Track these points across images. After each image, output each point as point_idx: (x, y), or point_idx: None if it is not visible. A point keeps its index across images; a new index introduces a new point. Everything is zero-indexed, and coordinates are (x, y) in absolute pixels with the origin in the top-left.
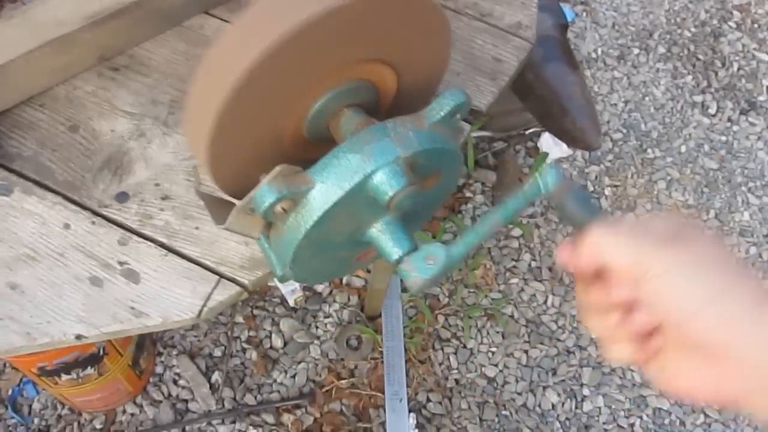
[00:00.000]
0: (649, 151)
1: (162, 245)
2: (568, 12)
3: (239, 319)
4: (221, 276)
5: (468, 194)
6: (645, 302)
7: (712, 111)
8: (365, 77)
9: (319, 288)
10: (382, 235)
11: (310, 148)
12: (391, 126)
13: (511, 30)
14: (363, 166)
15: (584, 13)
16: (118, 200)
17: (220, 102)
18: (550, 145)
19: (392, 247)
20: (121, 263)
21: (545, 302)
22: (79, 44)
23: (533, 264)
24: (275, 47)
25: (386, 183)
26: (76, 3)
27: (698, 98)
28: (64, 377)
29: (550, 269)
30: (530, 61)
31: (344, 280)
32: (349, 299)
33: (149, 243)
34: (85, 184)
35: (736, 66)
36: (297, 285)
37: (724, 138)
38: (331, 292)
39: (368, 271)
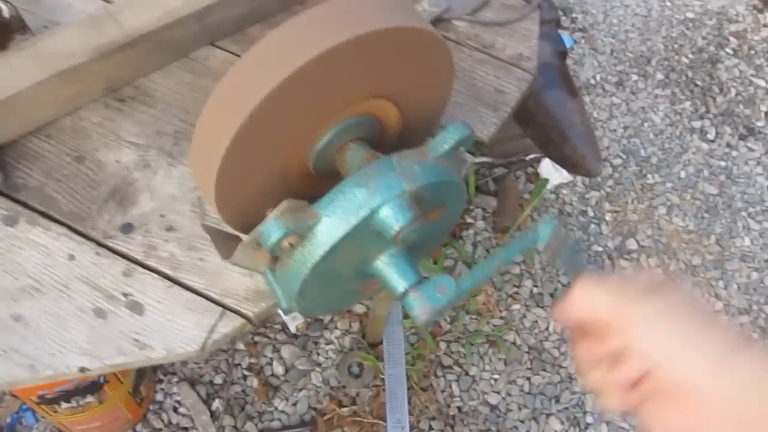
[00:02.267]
0: (649, 176)
1: (167, 277)
2: (567, 39)
3: (240, 346)
4: (225, 308)
5: (469, 220)
6: (629, 351)
7: (710, 136)
8: (369, 112)
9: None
10: (388, 268)
11: (316, 183)
12: (396, 160)
13: (513, 61)
14: (369, 201)
15: (583, 40)
16: (123, 231)
17: (228, 139)
18: (551, 171)
19: (398, 280)
20: (125, 295)
21: (547, 328)
22: (86, 76)
23: (535, 290)
24: (283, 85)
25: (392, 217)
26: (84, 35)
27: (697, 124)
28: (64, 405)
29: (551, 295)
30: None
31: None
32: (350, 326)
33: (154, 274)
34: (90, 215)
35: (733, 92)
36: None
37: (723, 163)
38: (332, 318)
39: (370, 298)
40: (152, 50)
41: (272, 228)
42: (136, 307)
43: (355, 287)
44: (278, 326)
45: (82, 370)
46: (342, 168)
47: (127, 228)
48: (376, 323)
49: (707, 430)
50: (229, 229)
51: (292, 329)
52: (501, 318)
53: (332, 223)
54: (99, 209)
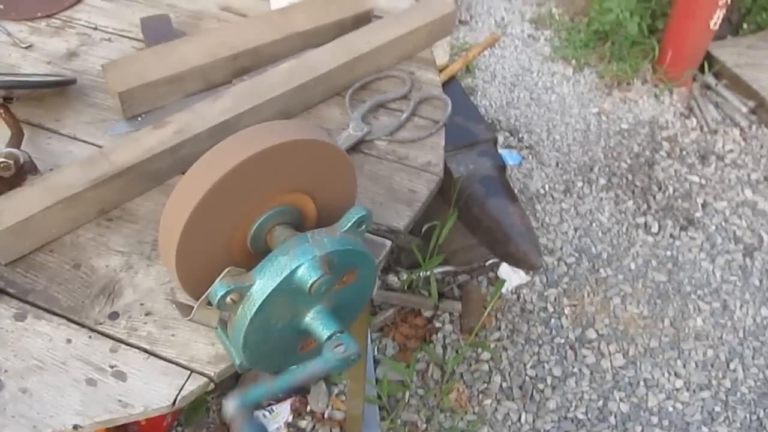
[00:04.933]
0: (602, 270)
1: (145, 350)
2: (515, 156)
3: None
4: (192, 371)
5: (438, 324)
6: None
7: (654, 230)
8: (291, 203)
9: (303, 424)
10: (314, 321)
11: (254, 259)
12: (310, 234)
13: (423, 167)
14: (289, 264)
15: (530, 156)
16: (111, 318)
17: (179, 230)
18: (509, 273)
19: (322, 330)
20: (111, 366)
21: (519, 419)
22: (83, 201)
23: (504, 384)
24: (217, 185)
25: (307, 274)
26: (82, 170)
27: (640, 220)
28: None
29: (520, 388)
30: (475, 197)
31: (326, 414)
32: (331, 431)
33: (135, 350)
34: (85, 308)
35: (671, 189)
36: (281, 423)
37: (669, 253)
38: (314, 426)
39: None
40: (135, 179)
41: (218, 288)
42: (120, 376)
43: (293, 343)
44: None
45: (76, 427)
46: (272, 245)
47: (114, 315)
48: (353, 423)
49: None
50: (191, 303)
51: None
52: (474, 413)
53: (263, 283)
54: (91, 303)
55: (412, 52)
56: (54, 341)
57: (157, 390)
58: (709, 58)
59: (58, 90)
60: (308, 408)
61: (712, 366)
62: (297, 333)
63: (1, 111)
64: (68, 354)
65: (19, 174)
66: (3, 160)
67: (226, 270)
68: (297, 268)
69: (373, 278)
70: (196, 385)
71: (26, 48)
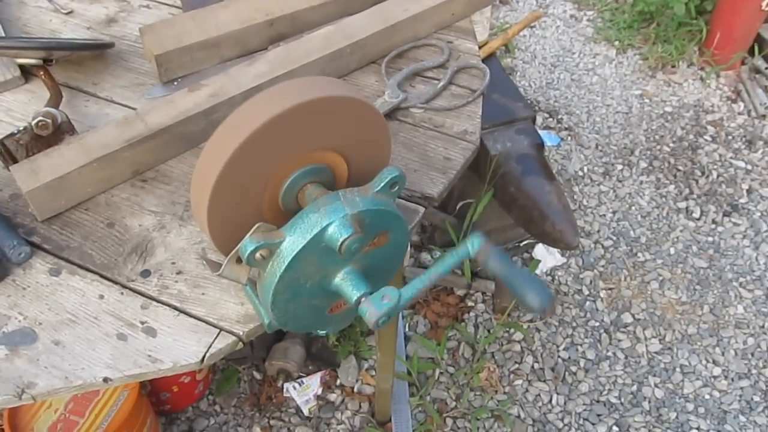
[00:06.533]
0: (640, 254)
1: (175, 308)
2: (554, 137)
3: (257, 430)
4: (221, 329)
5: (470, 303)
6: None
7: (696, 215)
8: (322, 162)
9: (332, 397)
10: (344, 282)
11: (285, 218)
12: (342, 193)
13: (459, 136)
14: (320, 221)
15: (569, 138)
16: (143, 276)
17: (213, 181)
18: (544, 254)
19: (352, 290)
20: (142, 323)
21: (550, 401)
22: (118, 161)
23: (536, 365)
24: (247, 141)
25: (337, 232)
26: (117, 130)
27: (682, 204)
28: None
29: (552, 369)
30: (511, 175)
31: (355, 388)
32: (360, 406)
33: (165, 307)
34: (117, 265)
35: (715, 174)
36: (311, 395)
37: (710, 239)
38: (343, 400)
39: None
40: (169, 141)
41: (247, 243)
42: (150, 332)
43: (322, 303)
44: (292, 410)
45: (106, 380)
46: (303, 203)
47: (146, 273)
48: (382, 397)
49: None
50: (221, 261)
51: (306, 412)
52: (504, 393)
53: (294, 239)
54: (124, 261)
55: (451, 21)
56: (87, 296)
57: (186, 347)
58: (759, 40)
59: (96, 54)
60: (338, 382)
61: (752, 355)
62: (326, 294)
63: (41, 73)
64: (100, 309)
65: (57, 134)
66: (41, 118)
67: (257, 225)
68: (328, 225)
69: (405, 243)
70: (224, 343)
71: (67, 14)
